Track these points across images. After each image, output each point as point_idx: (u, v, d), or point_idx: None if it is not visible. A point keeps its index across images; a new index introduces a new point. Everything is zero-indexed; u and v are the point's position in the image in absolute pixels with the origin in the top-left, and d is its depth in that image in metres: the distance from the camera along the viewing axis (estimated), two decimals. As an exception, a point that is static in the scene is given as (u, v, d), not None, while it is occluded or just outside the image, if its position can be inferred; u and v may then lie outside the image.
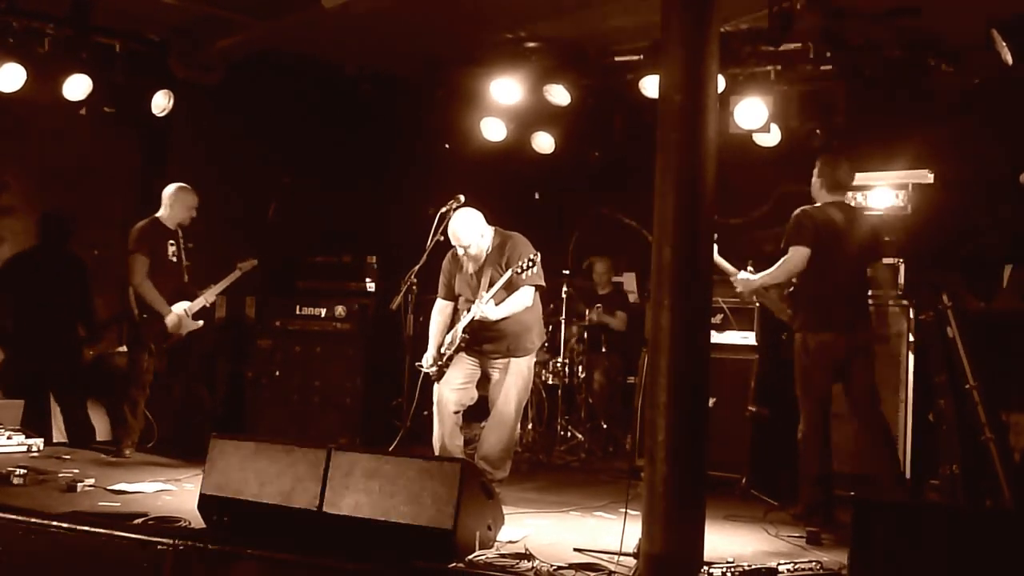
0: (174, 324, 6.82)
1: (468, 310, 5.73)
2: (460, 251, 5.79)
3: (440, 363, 5.82)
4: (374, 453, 4.58)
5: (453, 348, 5.78)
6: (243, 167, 8.12)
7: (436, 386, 5.84)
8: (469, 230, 5.73)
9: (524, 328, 5.79)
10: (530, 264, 5.57)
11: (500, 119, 7.92)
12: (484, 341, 5.77)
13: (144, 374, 6.85)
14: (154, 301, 6.78)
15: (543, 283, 5.82)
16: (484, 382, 5.92)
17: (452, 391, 5.78)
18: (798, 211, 5.62)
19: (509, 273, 5.62)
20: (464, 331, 5.71)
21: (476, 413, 6.21)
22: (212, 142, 8.12)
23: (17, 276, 7.51)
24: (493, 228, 5.84)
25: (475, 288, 5.77)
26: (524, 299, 5.72)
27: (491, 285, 5.66)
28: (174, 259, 6.96)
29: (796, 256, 5.54)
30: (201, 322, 7.00)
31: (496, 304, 5.63)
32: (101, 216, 7.99)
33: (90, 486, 5.63)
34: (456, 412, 5.79)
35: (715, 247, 5.06)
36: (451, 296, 5.99)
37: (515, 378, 5.77)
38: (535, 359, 6.04)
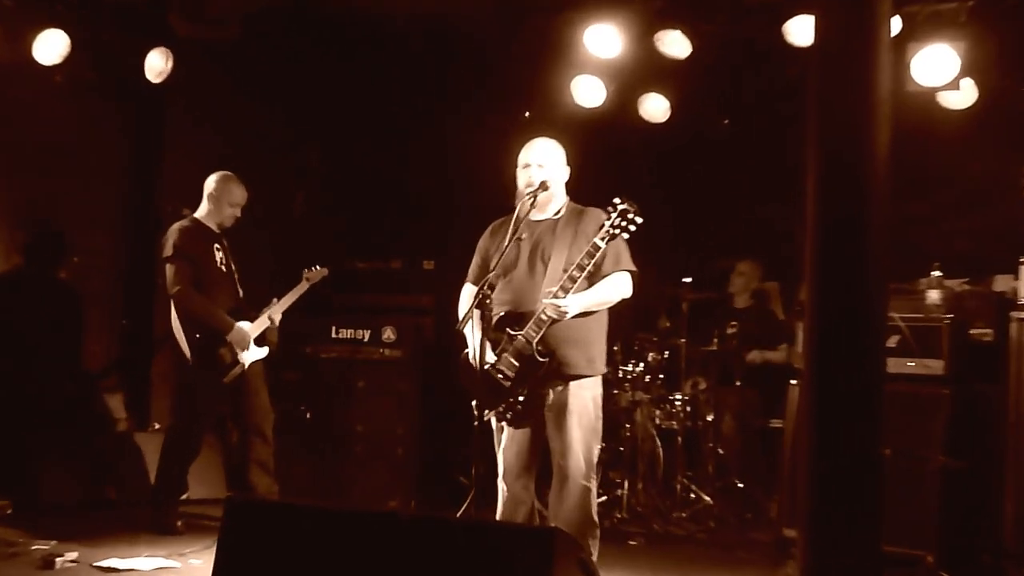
0: (240, 340, 6.81)
1: (489, 301, 5.14)
2: (523, 178, 5.53)
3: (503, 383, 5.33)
4: (437, 519, 4.61)
5: (517, 376, 5.28)
6: (262, 148, 8.27)
7: (500, 446, 5.52)
8: (549, 149, 5.56)
9: (584, 339, 5.37)
10: (631, 217, 5.17)
11: (597, 78, 7.93)
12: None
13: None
14: (207, 314, 6.75)
15: (635, 268, 5.47)
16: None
17: (517, 479, 5.48)
18: None
19: (605, 230, 5.18)
20: (539, 349, 5.23)
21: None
22: (222, 117, 8.30)
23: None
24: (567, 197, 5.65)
25: (530, 271, 5.44)
26: (620, 288, 5.37)
27: (566, 269, 5.25)
28: (223, 268, 6.95)
29: None
30: (266, 350, 7.01)
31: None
32: (82, 213, 8.19)
33: (72, 562, 5.77)
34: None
35: None
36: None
37: (577, 417, 5.34)
38: (601, 390, 5.54)
